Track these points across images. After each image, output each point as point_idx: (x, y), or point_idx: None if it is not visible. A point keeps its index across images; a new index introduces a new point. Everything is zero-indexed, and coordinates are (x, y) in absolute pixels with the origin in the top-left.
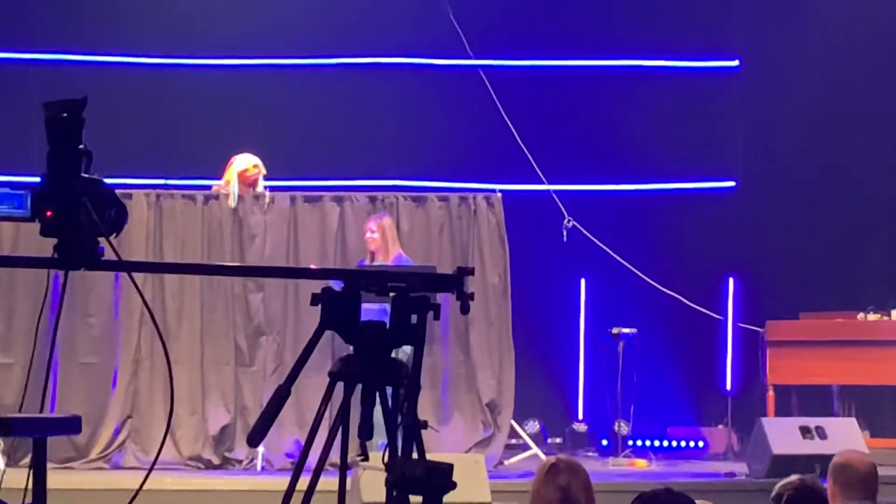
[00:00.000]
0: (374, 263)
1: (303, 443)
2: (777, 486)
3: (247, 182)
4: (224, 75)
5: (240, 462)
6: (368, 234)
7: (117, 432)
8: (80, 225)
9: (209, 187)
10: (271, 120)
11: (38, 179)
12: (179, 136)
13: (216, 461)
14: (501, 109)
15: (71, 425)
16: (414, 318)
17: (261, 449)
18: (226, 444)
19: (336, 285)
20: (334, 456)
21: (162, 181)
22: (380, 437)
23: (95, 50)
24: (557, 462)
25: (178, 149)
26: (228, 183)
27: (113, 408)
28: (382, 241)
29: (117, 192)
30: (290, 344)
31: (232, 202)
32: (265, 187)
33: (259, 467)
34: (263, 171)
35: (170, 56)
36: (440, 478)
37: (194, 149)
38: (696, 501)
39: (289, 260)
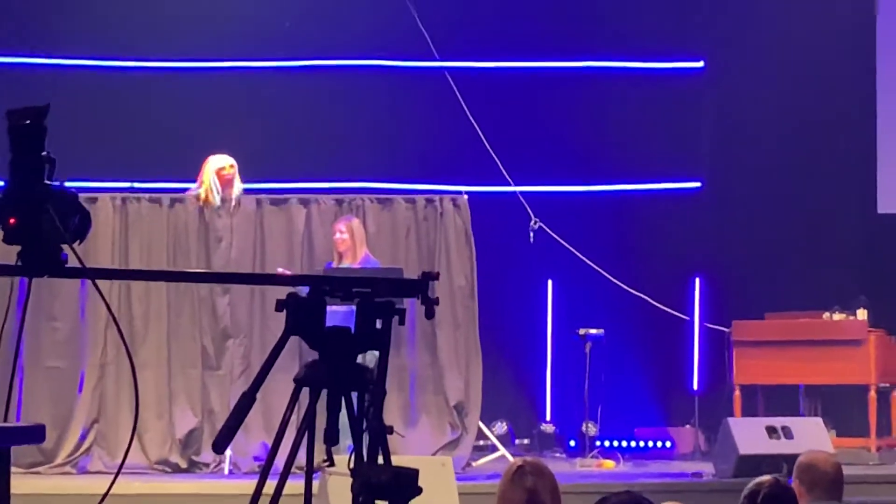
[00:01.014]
0: (342, 265)
1: (270, 446)
2: (750, 485)
3: (223, 181)
4: (189, 78)
5: (207, 466)
6: (338, 235)
7: (84, 437)
8: (43, 232)
9: (174, 190)
10: (236, 122)
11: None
12: (144, 139)
13: (183, 465)
14: (467, 111)
15: (34, 434)
16: (379, 324)
17: (228, 452)
18: (193, 447)
19: (302, 290)
20: (301, 460)
21: (128, 184)
22: (347, 440)
23: (59, 53)
24: (524, 464)
25: (144, 152)
26: (204, 184)
27: (79, 412)
28: (352, 242)
29: (82, 196)
30: (257, 347)
31: (215, 201)
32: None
33: (226, 471)
34: (237, 175)
35: (134, 59)
36: (405, 483)
37: (160, 152)
38: (665, 503)
39: (255, 263)
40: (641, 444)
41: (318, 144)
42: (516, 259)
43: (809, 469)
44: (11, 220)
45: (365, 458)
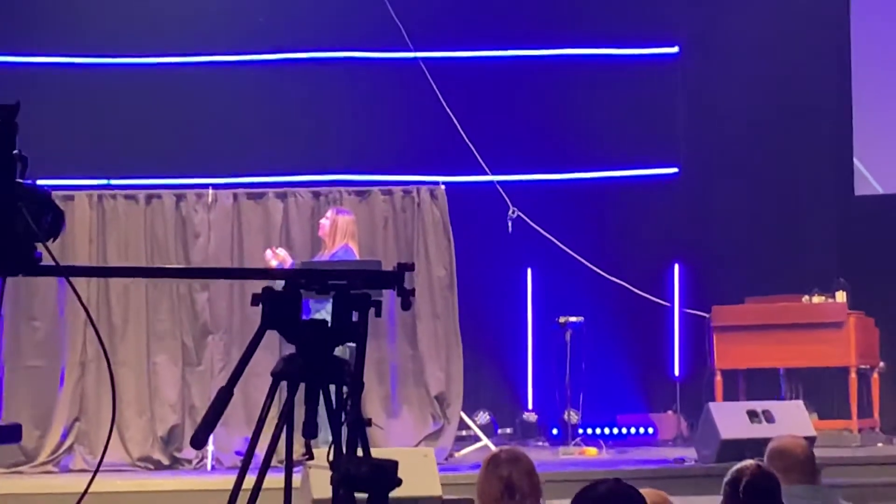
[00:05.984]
0: (321, 254)
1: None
2: (732, 471)
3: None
4: (163, 74)
5: (189, 462)
6: (323, 220)
7: (65, 435)
8: (16, 231)
9: (150, 187)
10: (213, 117)
11: None
12: (119, 136)
13: (166, 462)
14: (443, 101)
15: (11, 434)
16: (355, 316)
17: (210, 448)
18: (175, 444)
19: (278, 284)
20: (281, 454)
21: (104, 181)
22: (327, 433)
23: (31, 51)
24: (499, 453)
25: (119, 149)
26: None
27: (60, 411)
28: (331, 231)
29: (58, 194)
30: (237, 342)
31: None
32: (210, 186)
33: (209, 466)
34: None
35: (107, 56)
36: (385, 475)
37: (134, 149)
38: (644, 490)
39: (233, 257)
40: (623, 430)
41: (294, 138)
42: (495, 248)
43: (781, 455)
44: None
45: (344, 451)
